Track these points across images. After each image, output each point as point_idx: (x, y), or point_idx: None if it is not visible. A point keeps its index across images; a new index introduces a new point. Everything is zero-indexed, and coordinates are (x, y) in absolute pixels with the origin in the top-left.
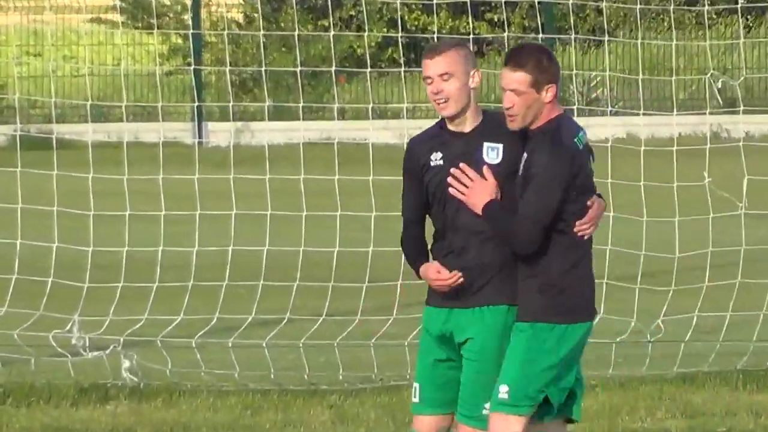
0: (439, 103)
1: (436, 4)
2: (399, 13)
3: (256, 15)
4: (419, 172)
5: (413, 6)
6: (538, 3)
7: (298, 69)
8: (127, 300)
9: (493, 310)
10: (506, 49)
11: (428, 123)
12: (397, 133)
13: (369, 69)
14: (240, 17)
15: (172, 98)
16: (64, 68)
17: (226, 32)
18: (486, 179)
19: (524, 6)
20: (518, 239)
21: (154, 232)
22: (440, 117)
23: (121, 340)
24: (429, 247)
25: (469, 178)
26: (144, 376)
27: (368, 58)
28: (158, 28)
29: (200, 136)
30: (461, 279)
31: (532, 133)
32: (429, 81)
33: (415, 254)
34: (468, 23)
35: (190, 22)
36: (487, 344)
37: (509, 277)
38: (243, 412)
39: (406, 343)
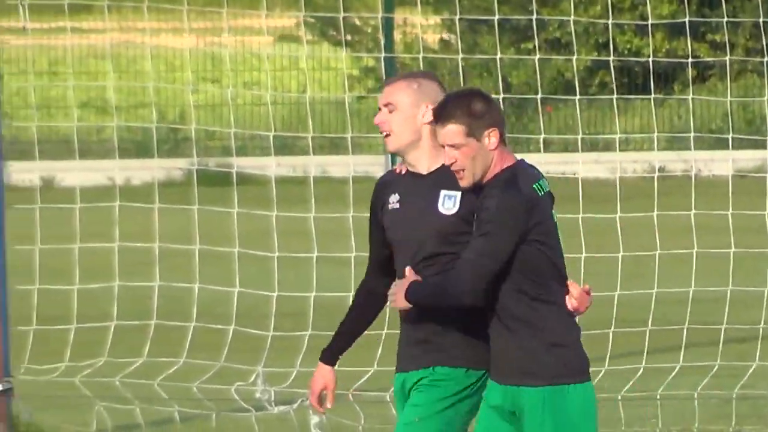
0: (383, 136)
1: (652, 24)
2: (610, 34)
3: (453, 37)
4: (378, 213)
5: (625, 27)
6: (764, 22)
7: (501, 96)
8: (314, 350)
9: (447, 371)
10: (728, 74)
11: (644, 156)
12: (609, 167)
13: (578, 96)
14: (436, 40)
15: (363, 128)
16: (244, 96)
17: (421, 55)
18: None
19: (748, 26)
20: (457, 288)
21: (344, 275)
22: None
23: (307, 393)
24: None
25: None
26: None
27: (576, 83)
28: (348, 46)
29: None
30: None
31: (485, 185)
32: (379, 109)
33: (351, 314)
34: (686, 45)
35: (382, 44)
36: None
37: (472, 337)
38: None
39: None
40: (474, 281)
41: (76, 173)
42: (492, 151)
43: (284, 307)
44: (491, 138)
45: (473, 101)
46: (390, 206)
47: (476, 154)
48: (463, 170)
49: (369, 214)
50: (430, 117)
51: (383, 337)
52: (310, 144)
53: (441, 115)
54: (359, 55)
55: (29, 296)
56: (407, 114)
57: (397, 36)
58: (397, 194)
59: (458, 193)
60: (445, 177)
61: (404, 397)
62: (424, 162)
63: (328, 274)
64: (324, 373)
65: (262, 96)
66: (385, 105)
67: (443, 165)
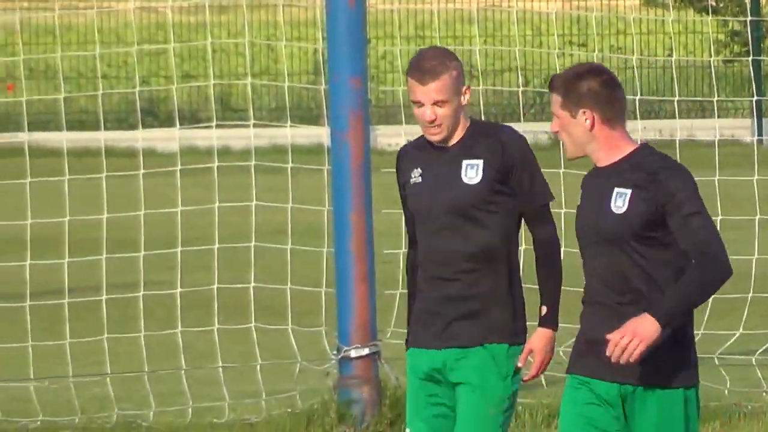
0: (429, 130)
1: None
2: None
3: None
4: (403, 188)
5: None
6: None
7: None
8: None
9: (489, 348)
10: None
11: None
12: None
13: None
14: None
15: (730, 92)
16: (610, 60)
17: None
18: None
19: None
20: (717, 267)
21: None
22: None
23: None
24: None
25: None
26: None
27: None
28: (714, 13)
29: (760, 134)
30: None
31: (615, 168)
32: (419, 105)
33: (411, 293)
34: None
35: (748, 8)
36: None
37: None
38: None
39: None
40: (723, 251)
41: None
42: (589, 131)
43: None
44: (586, 118)
45: (582, 77)
46: (412, 180)
47: (570, 129)
48: (564, 143)
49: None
50: (469, 97)
51: (749, 300)
52: (676, 108)
53: (550, 82)
54: (725, 19)
55: (396, 259)
56: (456, 104)
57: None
58: (419, 168)
59: (480, 161)
60: (467, 145)
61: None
62: (454, 135)
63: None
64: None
65: (628, 59)
66: (434, 103)
67: (467, 132)
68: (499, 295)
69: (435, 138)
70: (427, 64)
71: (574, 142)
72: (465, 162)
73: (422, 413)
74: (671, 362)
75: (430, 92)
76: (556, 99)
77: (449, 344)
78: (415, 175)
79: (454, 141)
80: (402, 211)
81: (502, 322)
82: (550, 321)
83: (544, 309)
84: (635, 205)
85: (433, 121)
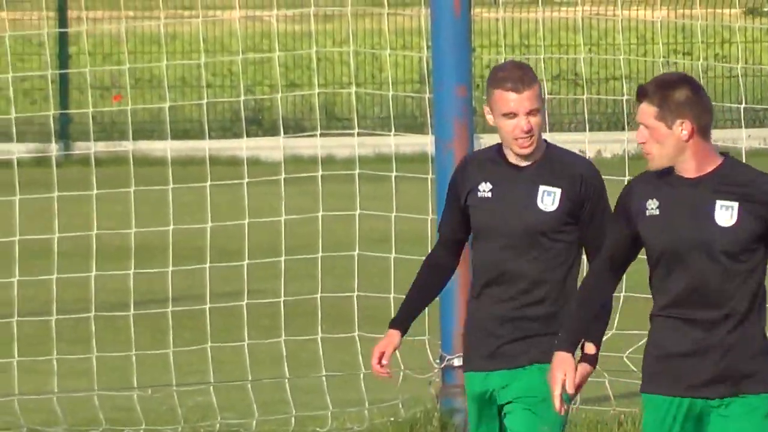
0: (522, 142)
1: None
2: None
3: None
4: (463, 195)
5: None
6: None
7: None
8: None
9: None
10: None
11: None
12: None
13: None
14: None
15: None
16: (715, 68)
17: None
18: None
19: None
20: None
21: None
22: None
23: None
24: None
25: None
26: None
27: None
28: None
29: None
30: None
31: (707, 179)
32: (511, 117)
33: (415, 286)
34: None
35: None
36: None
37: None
38: None
39: None
40: None
41: None
42: (685, 142)
43: None
44: (683, 129)
45: (677, 86)
46: (480, 194)
47: (663, 140)
48: (650, 153)
49: (449, 191)
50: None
51: None
52: None
53: (641, 91)
54: None
55: None
56: (544, 114)
57: None
58: (489, 183)
59: (558, 190)
60: (546, 170)
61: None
62: (532, 154)
63: None
64: (390, 336)
65: (732, 68)
66: (529, 112)
67: (544, 156)
68: (553, 321)
69: (527, 151)
70: (516, 73)
71: (665, 154)
72: (542, 188)
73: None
74: (757, 370)
75: (525, 101)
76: (649, 109)
77: (500, 366)
78: (485, 189)
79: (532, 161)
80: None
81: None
82: (592, 360)
83: (592, 348)
84: (744, 218)
85: (529, 131)
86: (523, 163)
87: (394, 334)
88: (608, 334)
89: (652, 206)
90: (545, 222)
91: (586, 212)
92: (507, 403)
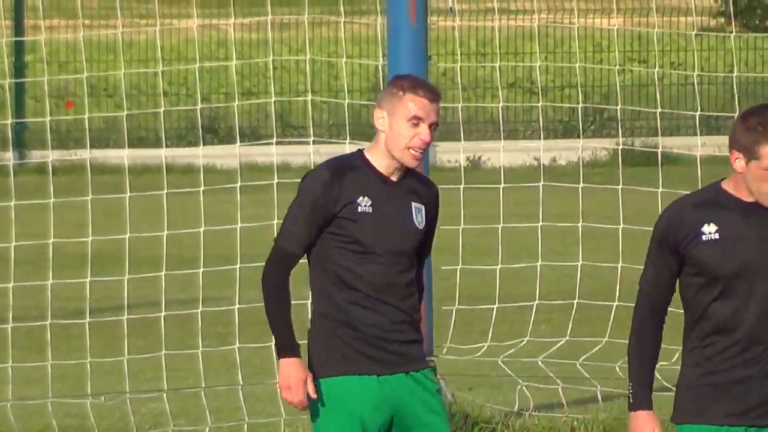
0: (416, 153)
1: None
2: None
3: None
4: (333, 209)
5: None
6: None
7: None
8: None
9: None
10: None
11: None
12: None
13: None
14: None
15: None
16: (670, 76)
17: None
18: None
19: None
20: None
21: None
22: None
23: None
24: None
25: None
26: None
27: None
28: None
29: None
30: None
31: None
32: (416, 123)
33: (287, 306)
34: None
35: None
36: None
37: None
38: None
39: None
40: None
41: (501, 153)
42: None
43: None
44: (736, 161)
45: (742, 117)
46: (360, 208)
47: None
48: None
49: (303, 203)
50: None
51: None
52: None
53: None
54: None
55: (453, 275)
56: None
57: None
58: (368, 197)
59: (423, 207)
60: (414, 186)
61: None
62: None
63: None
64: (299, 366)
65: (688, 76)
66: (432, 124)
67: (409, 172)
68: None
69: (416, 163)
70: (429, 83)
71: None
72: (414, 205)
73: None
74: None
75: (433, 111)
76: None
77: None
78: (365, 204)
79: (399, 175)
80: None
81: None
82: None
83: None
84: None
85: (428, 144)
86: (394, 177)
87: (300, 362)
88: (561, 341)
89: (710, 230)
90: (418, 239)
91: (431, 230)
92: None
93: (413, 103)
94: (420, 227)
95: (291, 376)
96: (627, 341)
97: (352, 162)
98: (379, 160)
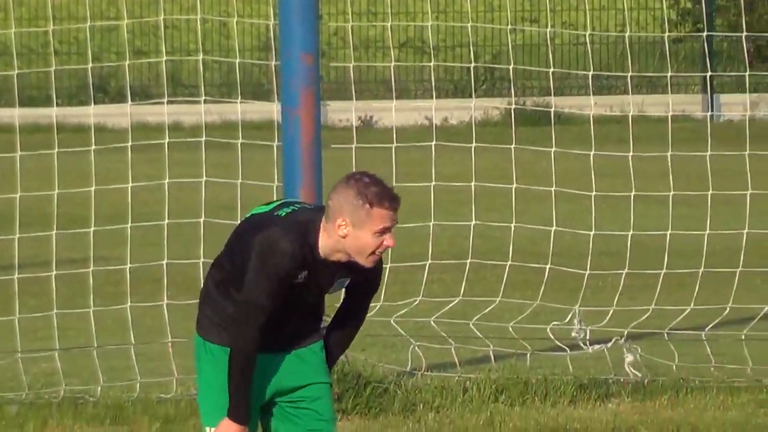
0: (377, 257)
1: None
2: None
3: None
4: (287, 284)
5: None
6: None
7: None
8: (632, 289)
9: None
10: None
11: None
12: None
13: None
14: None
15: (681, 68)
16: (562, 35)
17: None
18: None
19: None
20: None
21: (663, 214)
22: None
23: (625, 332)
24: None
25: None
26: (648, 371)
27: None
28: None
29: (712, 110)
30: None
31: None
32: (383, 233)
33: (251, 372)
34: None
35: None
36: None
37: None
38: (756, 410)
39: None
40: None
41: (393, 113)
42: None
43: (601, 245)
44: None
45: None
46: (297, 281)
47: None
48: None
49: (280, 271)
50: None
51: (700, 275)
52: (628, 83)
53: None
54: None
55: None
56: None
57: None
58: (306, 272)
59: (347, 279)
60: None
61: None
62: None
63: (647, 213)
64: None
65: (579, 35)
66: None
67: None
68: None
69: (373, 265)
70: (389, 189)
71: None
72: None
73: None
74: None
75: (396, 217)
76: None
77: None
78: (301, 277)
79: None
80: None
81: None
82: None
83: None
84: None
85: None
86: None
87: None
88: (454, 301)
89: None
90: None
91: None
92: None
93: (382, 217)
94: (331, 291)
95: None
96: (520, 301)
97: (308, 240)
98: (328, 251)
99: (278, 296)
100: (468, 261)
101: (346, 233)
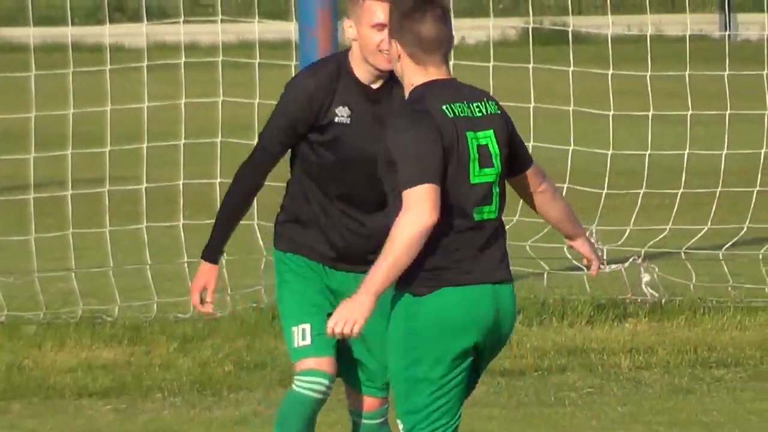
0: (388, 56)
1: None
2: None
3: None
4: (313, 120)
5: None
6: None
7: None
8: (649, 209)
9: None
10: None
11: None
12: None
13: None
14: None
15: None
16: None
17: None
18: None
19: None
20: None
21: (680, 133)
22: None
23: (642, 252)
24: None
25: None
26: (665, 291)
27: None
28: None
29: (729, 29)
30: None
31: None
32: (381, 29)
33: (233, 205)
34: None
35: None
36: None
37: None
38: None
39: None
40: None
41: None
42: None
43: (618, 164)
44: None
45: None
46: (337, 119)
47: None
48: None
49: (286, 110)
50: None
51: (718, 195)
52: (646, 2)
53: None
54: None
55: None
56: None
57: None
58: (348, 108)
59: None
60: (395, 95)
61: None
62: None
63: (664, 133)
64: (206, 271)
65: None
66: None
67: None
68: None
69: (388, 66)
70: None
71: None
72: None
73: None
74: None
75: (384, 17)
76: None
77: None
78: (342, 114)
79: (381, 81)
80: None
81: None
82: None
83: None
84: None
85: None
86: (375, 85)
87: (212, 269)
88: None
89: None
90: None
91: None
92: None
93: (374, 9)
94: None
95: (196, 277)
96: (537, 220)
97: (335, 70)
98: (358, 67)
99: (300, 138)
100: None
101: (354, 35)
